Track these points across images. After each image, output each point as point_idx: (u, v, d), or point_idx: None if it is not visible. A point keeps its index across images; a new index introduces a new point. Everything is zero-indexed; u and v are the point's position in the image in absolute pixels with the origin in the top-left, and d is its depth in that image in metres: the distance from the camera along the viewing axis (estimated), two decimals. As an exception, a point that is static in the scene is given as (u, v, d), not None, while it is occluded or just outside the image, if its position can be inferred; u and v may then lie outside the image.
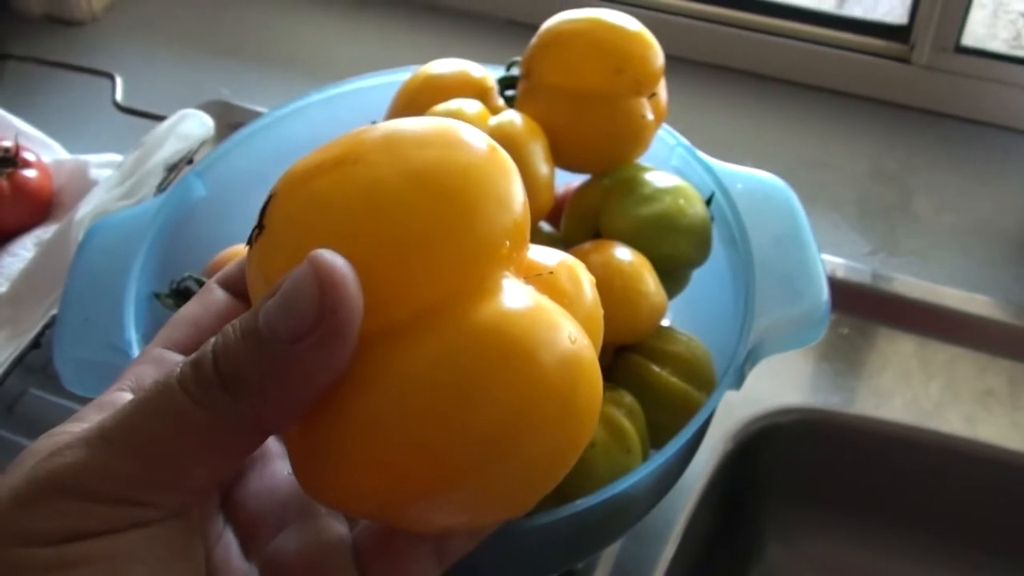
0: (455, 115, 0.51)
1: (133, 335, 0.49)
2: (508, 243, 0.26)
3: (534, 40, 0.54)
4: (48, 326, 0.66)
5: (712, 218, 0.55)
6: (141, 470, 0.24)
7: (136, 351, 0.48)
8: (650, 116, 0.54)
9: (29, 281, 0.70)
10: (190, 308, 0.31)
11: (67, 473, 0.24)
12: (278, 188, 0.27)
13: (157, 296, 0.52)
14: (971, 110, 0.90)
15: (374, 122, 0.59)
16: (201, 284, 0.52)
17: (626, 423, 0.48)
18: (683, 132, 0.59)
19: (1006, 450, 0.69)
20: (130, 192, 0.72)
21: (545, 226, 0.58)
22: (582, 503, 0.43)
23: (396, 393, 0.25)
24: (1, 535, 0.24)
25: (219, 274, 0.32)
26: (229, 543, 0.29)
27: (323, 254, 0.24)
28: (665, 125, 0.57)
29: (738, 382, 0.49)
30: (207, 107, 0.82)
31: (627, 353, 0.53)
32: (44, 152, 0.82)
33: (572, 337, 0.26)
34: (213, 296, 0.31)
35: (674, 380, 0.51)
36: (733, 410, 0.69)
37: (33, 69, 0.98)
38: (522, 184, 0.28)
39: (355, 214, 0.25)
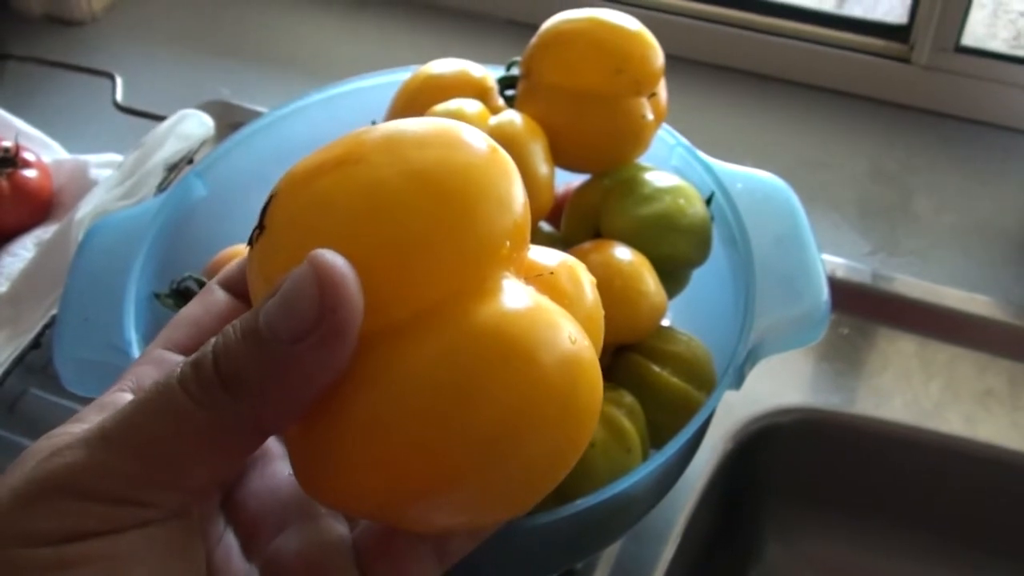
0: (455, 115, 0.51)
1: (133, 335, 0.49)
2: (508, 243, 0.26)
3: (534, 40, 0.54)
4: (48, 326, 0.66)
5: (712, 218, 0.55)
6: (141, 470, 0.24)
7: (136, 351, 0.48)
8: (650, 116, 0.54)
9: (29, 281, 0.70)
10: (191, 309, 0.31)
11: (67, 473, 0.24)
12: (279, 188, 0.27)
13: (157, 296, 0.52)
14: (971, 110, 0.90)
15: (374, 122, 0.59)
16: (201, 284, 0.52)
17: (626, 423, 0.48)
18: (683, 132, 0.59)
19: (1006, 450, 0.69)
20: (130, 192, 0.72)
21: (545, 226, 0.58)
22: (582, 503, 0.43)
23: (396, 393, 0.25)
24: (1, 535, 0.24)
25: (220, 275, 0.32)
26: (230, 544, 0.29)
27: (323, 254, 0.24)
28: (665, 125, 0.57)
29: (738, 382, 0.49)
30: (207, 107, 0.82)
31: (627, 353, 0.53)
32: (44, 152, 0.82)
33: (572, 337, 0.26)
34: (214, 297, 0.31)
35: (674, 380, 0.51)
36: (733, 410, 0.69)
37: (33, 69, 0.98)
38: (523, 185, 0.28)
39: (356, 214, 0.25)
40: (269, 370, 0.24)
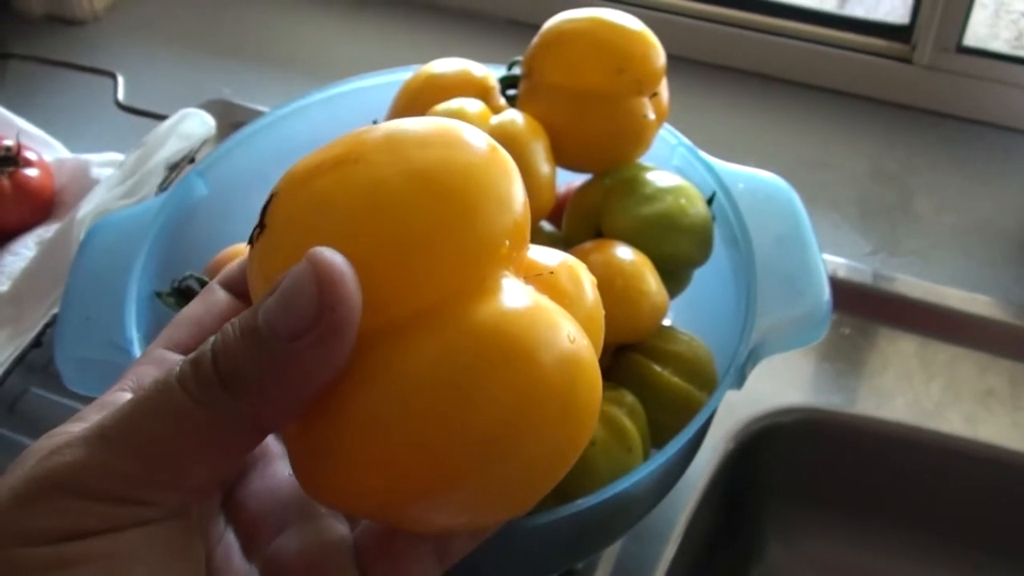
0: (457, 114, 0.51)
1: (134, 334, 0.49)
2: (508, 243, 0.26)
3: (536, 39, 0.54)
4: (49, 325, 0.66)
5: (713, 218, 0.55)
6: (140, 469, 0.24)
7: (137, 350, 0.48)
8: (651, 116, 0.54)
9: (31, 280, 0.70)
10: (192, 309, 0.31)
11: (66, 472, 0.24)
12: (279, 188, 0.27)
13: (158, 295, 0.52)
14: (972, 110, 0.90)
15: (375, 121, 0.59)
16: (202, 283, 0.52)
17: (627, 422, 0.48)
18: (685, 132, 0.59)
19: (1007, 450, 0.69)
20: (131, 191, 0.72)
21: (546, 225, 0.58)
22: (583, 502, 0.43)
23: (396, 392, 0.25)
24: (1, 534, 0.24)
25: (221, 275, 0.32)
26: (230, 544, 0.29)
27: (322, 252, 0.24)
28: (667, 125, 0.57)
29: (739, 382, 0.49)
30: (208, 106, 0.82)
31: (628, 352, 0.53)
32: (46, 151, 0.82)
33: (571, 337, 0.26)
34: (215, 297, 0.31)
35: (675, 380, 0.51)
36: (734, 410, 0.69)
37: (35, 68, 0.98)
38: (523, 184, 0.28)
39: (356, 213, 0.25)
40: (268, 368, 0.24)
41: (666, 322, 0.55)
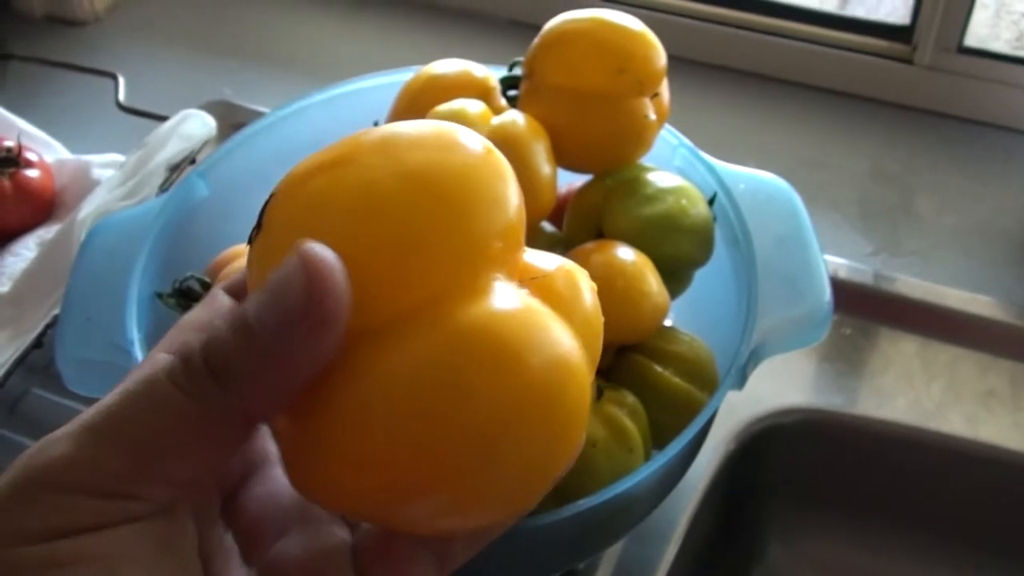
0: (457, 115, 0.51)
1: (135, 335, 0.49)
2: (499, 244, 0.26)
3: (536, 40, 0.54)
4: (50, 326, 0.66)
5: (714, 218, 0.55)
6: (129, 463, 0.24)
7: (138, 351, 0.48)
8: (652, 116, 0.54)
9: (31, 281, 0.71)
10: (196, 314, 0.31)
11: (53, 468, 0.24)
12: (278, 189, 0.28)
13: (159, 296, 0.52)
14: (973, 111, 0.90)
15: (376, 123, 0.59)
16: (203, 284, 0.52)
17: (628, 423, 0.48)
18: (686, 132, 0.59)
19: (1008, 450, 0.69)
20: (132, 192, 0.72)
21: (547, 226, 0.58)
22: (584, 503, 0.43)
23: (380, 391, 0.25)
24: None
25: (225, 281, 0.32)
26: (230, 549, 0.29)
27: (311, 246, 0.24)
28: (668, 125, 0.57)
29: (740, 382, 0.49)
30: (209, 107, 0.82)
31: (629, 353, 0.53)
32: (46, 152, 0.82)
33: (560, 340, 0.26)
34: (219, 302, 0.31)
35: (676, 380, 0.51)
36: (735, 410, 0.69)
37: (35, 69, 0.98)
38: (517, 187, 0.28)
39: (347, 214, 0.26)
40: (257, 359, 0.24)
41: (667, 323, 0.55)
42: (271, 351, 0.24)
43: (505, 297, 0.26)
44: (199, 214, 0.57)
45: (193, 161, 0.75)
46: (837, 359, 0.73)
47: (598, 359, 0.29)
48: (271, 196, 0.28)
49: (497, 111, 0.53)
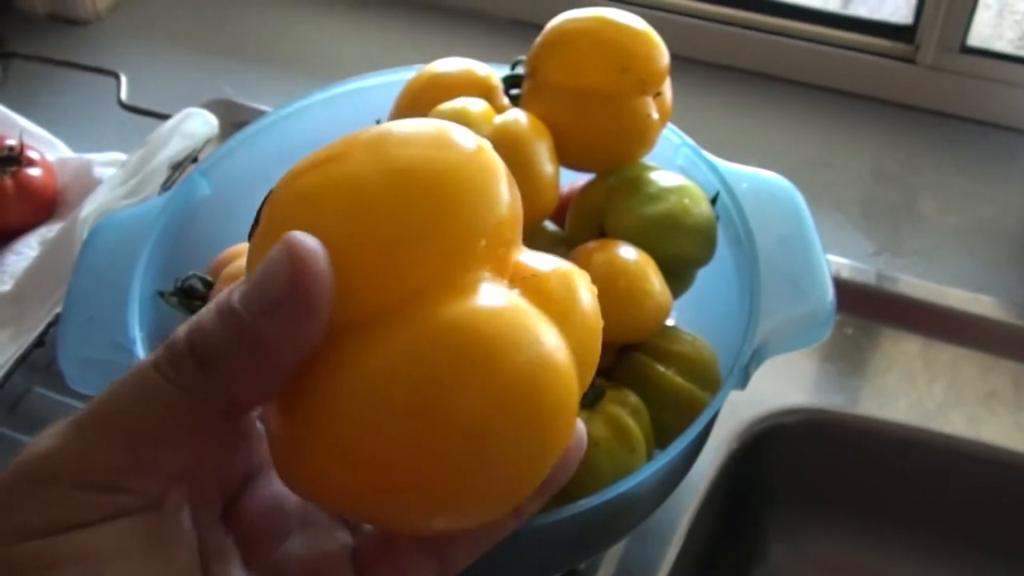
0: (460, 113, 0.51)
1: (137, 333, 0.49)
2: (484, 242, 0.26)
3: (539, 39, 0.54)
4: (52, 324, 0.66)
5: (717, 217, 0.55)
6: (117, 453, 0.24)
7: (140, 349, 0.48)
8: (655, 115, 0.54)
9: (33, 279, 0.71)
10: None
11: (42, 463, 0.24)
12: (275, 186, 0.28)
13: (161, 294, 0.52)
14: (976, 110, 0.90)
15: (378, 121, 0.59)
16: (205, 282, 0.52)
17: (630, 422, 0.48)
18: (688, 131, 0.59)
19: (1009, 451, 0.69)
20: (134, 191, 0.72)
21: (550, 225, 0.58)
22: (586, 503, 0.43)
23: (358, 384, 0.25)
24: None
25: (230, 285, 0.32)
26: (231, 552, 0.29)
27: (296, 234, 0.24)
28: (670, 124, 0.57)
29: (743, 382, 0.49)
30: (211, 106, 0.82)
31: (632, 352, 0.52)
32: (48, 151, 0.82)
33: (542, 340, 0.26)
34: None
35: (679, 380, 0.51)
36: (737, 410, 0.69)
37: (38, 68, 0.98)
38: (511, 186, 0.28)
39: (334, 208, 0.26)
40: (242, 344, 0.24)
41: (669, 322, 0.55)
42: (256, 336, 0.24)
43: (489, 295, 0.26)
44: (201, 213, 0.57)
45: (195, 160, 0.75)
46: (839, 359, 0.73)
47: (596, 362, 0.29)
48: (268, 194, 0.28)
49: (499, 110, 0.53)
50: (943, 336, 0.74)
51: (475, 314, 0.25)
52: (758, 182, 0.57)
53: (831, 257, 0.76)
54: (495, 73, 0.57)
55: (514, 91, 0.56)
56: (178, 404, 0.24)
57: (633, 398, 0.50)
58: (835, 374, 0.73)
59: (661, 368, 0.51)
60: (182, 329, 0.25)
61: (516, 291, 0.27)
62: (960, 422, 0.70)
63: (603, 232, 0.54)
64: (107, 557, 0.24)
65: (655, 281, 0.51)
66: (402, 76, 0.59)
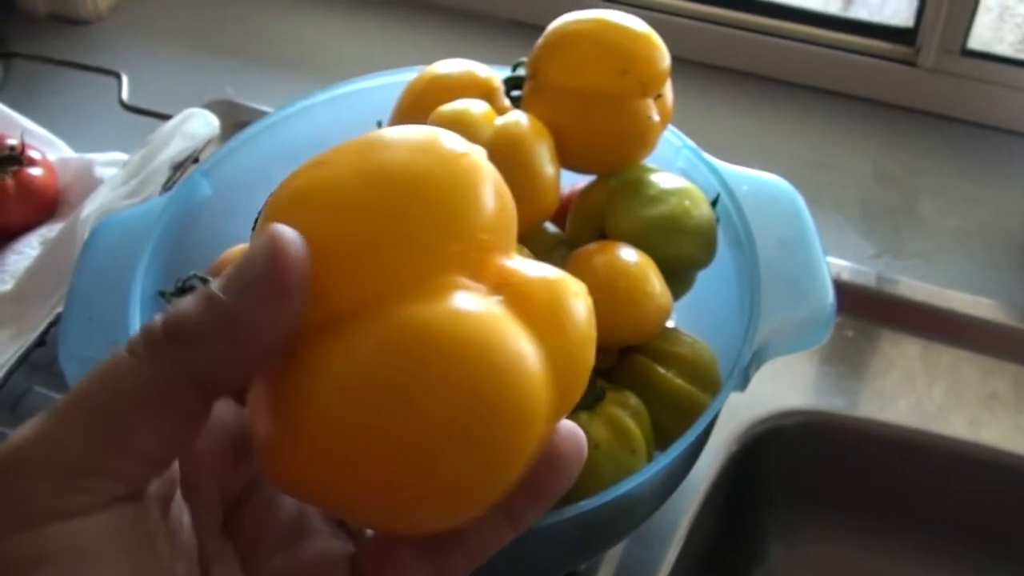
0: (461, 115, 0.51)
1: (138, 334, 0.49)
2: (460, 246, 0.27)
3: (540, 40, 0.54)
4: (53, 324, 0.66)
5: (717, 220, 0.55)
6: (87, 435, 0.24)
7: (141, 349, 0.48)
8: (656, 117, 0.54)
9: (34, 279, 0.71)
10: None
11: (14, 454, 0.24)
12: (274, 189, 0.29)
13: (162, 295, 0.52)
14: (976, 113, 0.90)
15: (379, 123, 0.59)
16: (206, 283, 0.52)
17: (631, 424, 0.48)
18: (689, 134, 0.59)
19: (1010, 453, 0.69)
20: (135, 191, 0.72)
21: (550, 227, 0.58)
22: (587, 504, 0.43)
23: (321, 382, 0.25)
24: None
25: None
26: (230, 560, 0.29)
27: (276, 225, 0.25)
28: (671, 126, 0.57)
29: (743, 384, 0.49)
30: (213, 106, 0.82)
31: (632, 354, 0.53)
32: (49, 150, 0.82)
33: (509, 346, 0.26)
34: None
35: (679, 382, 0.51)
36: (737, 412, 0.69)
37: (39, 68, 0.98)
38: (498, 191, 0.28)
39: (315, 209, 0.27)
40: (215, 320, 0.25)
41: (670, 324, 0.55)
42: (230, 313, 0.25)
43: (458, 299, 0.26)
44: (202, 213, 0.57)
45: (196, 160, 0.75)
46: (839, 361, 0.73)
47: (586, 371, 0.28)
48: (270, 195, 0.29)
49: (501, 111, 0.53)
50: (943, 338, 0.74)
51: (436, 317, 0.25)
52: (759, 184, 0.57)
53: (831, 259, 0.76)
54: (496, 75, 0.57)
55: (515, 93, 0.56)
56: (149, 381, 0.25)
57: (633, 400, 0.50)
58: (835, 376, 0.73)
59: (661, 370, 0.51)
60: (159, 315, 0.26)
61: (496, 297, 0.27)
62: (960, 424, 0.70)
63: (604, 234, 0.54)
64: (92, 553, 0.24)
65: (655, 283, 0.51)
66: (403, 77, 0.59)
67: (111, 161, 0.80)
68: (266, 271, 0.25)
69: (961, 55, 0.89)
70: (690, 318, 0.58)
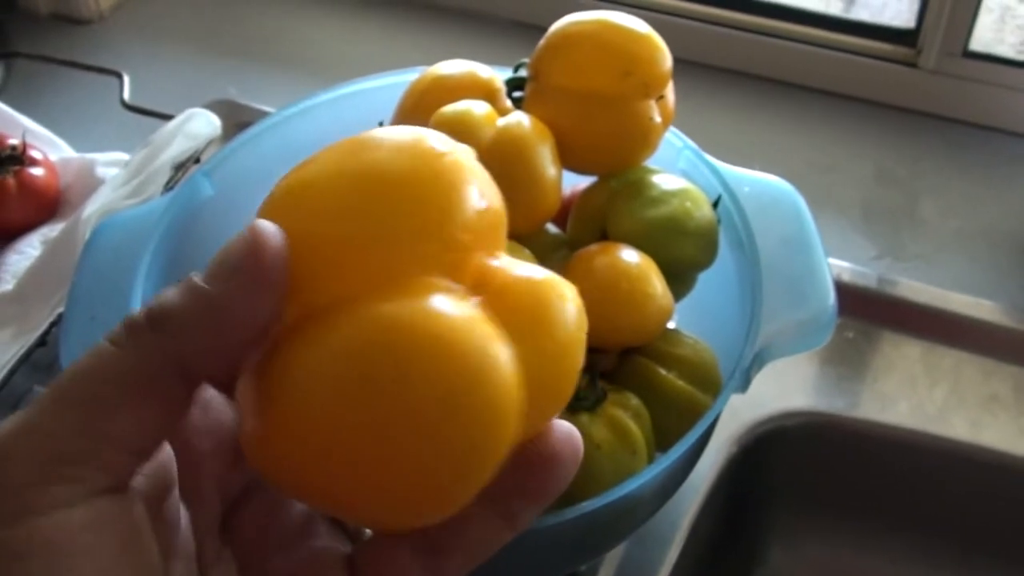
0: (463, 116, 0.51)
1: (140, 334, 0.49)
2: (436, 246, 0.27)
3: (542, 42, 0.54)
4: (55, 324, 0.66)
5: (719, 221, 0.55)
6: (70, 425, 0.24)
7: (143, 350, 0.48)
8: (658, 118, 0.54)
9: (36, 279, 0.71)
10: None
11: None
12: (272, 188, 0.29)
13: (164, 295, 0.52)
14: (978, 115, 0.90)
15: (381, 123, 0.59)
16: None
17: (632, 425, 0.48)
18: (690, 135, 0.59)
19: (1010, 455, 0.69)
20: (137, 191, 0.72)
21: (552, 228, 0.58)
22: (587, 505, 0.43)
23: (292, 380, 0.26)
24: None
25: None
26: (228, 562, 0.29)
27: (257, 220, 0.26)
28: (673, 128, 0.57)
29: (744, 385, 0.49)
30: (214, 106, 0.82)
31: (633, 356, 0.53)
32: (51, 150, 0.82)
33: (476, 349, 0.26)
34: None
35: (680, 383, 0.51)
36: (738, 413, 0.69)
37: (40, 67, 0.98)
38: (483, 192, 0.28)
39: (297, 207, 0.27)
40: (196, 307, 0.25)
41: (671, 325, 0.55)
42: (210, 299, 0.25)
43: (432, 299, 0.26)
44: (204, 213, 0.57)
45: (198, 160, 0.75)
46: (840, 363, 0.73)
47: (573, 374, 0.28)
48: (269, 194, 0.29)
49: (502, 112, 0.53)
50: (944, 340, 0.74)
51: (405, 315, 0.25)
52: (760, 185, 0.57)
53: (832, 261, 0.76)
54: (498, 75, 0.57)
55: (517, 94, 0.56)
56: (130, 368, 0.25)
57: (635, 401, 0.50)
58: (836, 378, 0.73)
59: (663, 371, 0.51)
60: (141, 306, 0.26)
61: (474, 299, 0.27)
62: (961, 426, 0.70)
63: (605, 235, 0.54)
64: (79, 546, 0.24)
65: (657, 284, 0.51)
66: (405, 78, 0.59)
67: (113, 161, 0.80)
68: (245, 262, 0.25)
69: (962, 56, 0.89)
70: (691, 319, 0.58)
